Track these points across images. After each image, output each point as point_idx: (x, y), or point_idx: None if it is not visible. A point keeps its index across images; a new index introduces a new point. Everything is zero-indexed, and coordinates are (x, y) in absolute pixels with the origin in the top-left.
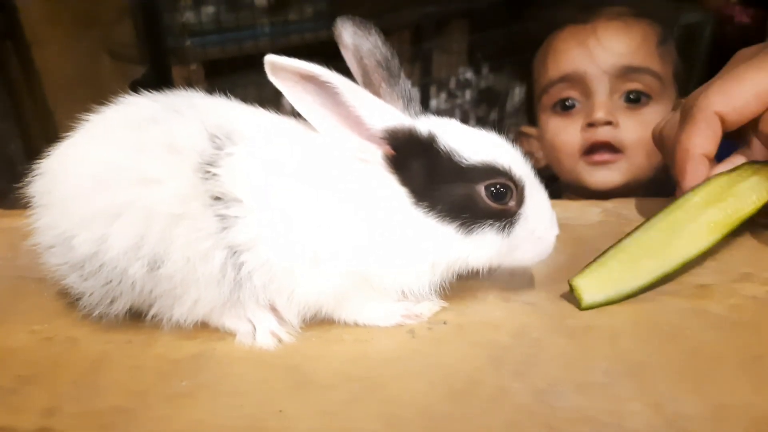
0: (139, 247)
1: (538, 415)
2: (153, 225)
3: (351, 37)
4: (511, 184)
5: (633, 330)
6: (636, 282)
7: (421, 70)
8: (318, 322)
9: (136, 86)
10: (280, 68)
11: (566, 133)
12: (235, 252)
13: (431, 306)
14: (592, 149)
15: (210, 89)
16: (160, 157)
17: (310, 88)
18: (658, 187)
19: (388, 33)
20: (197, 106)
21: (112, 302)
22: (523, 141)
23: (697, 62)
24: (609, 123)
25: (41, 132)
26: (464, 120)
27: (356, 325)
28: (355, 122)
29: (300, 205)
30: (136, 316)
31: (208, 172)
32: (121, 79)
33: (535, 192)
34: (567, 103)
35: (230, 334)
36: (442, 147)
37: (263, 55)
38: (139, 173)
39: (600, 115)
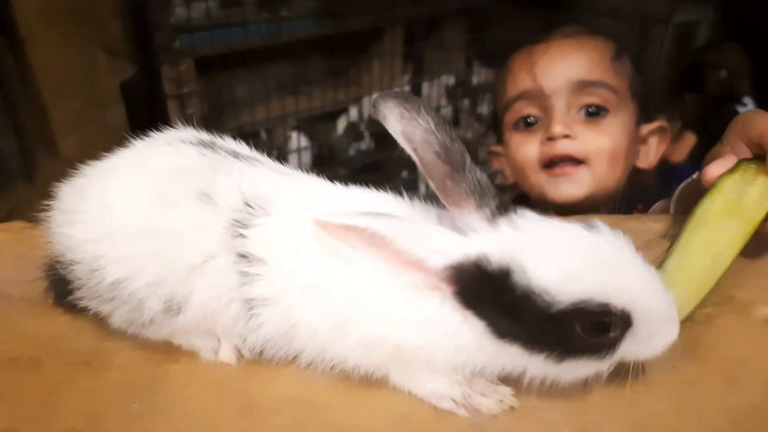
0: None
1: None
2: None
3: (398, 121)
4: (614, 318)
5: None
6: (682, 314)
7: (414, 68)
8: None
9: (125, 87)
10: (326, 226)
11: (526, 149)
12: (251, 307)
13: (495, 405)
14: (552, 162)
15: (201, 86)
16: (194, 209)
17: (364, 236)
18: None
19: (380, 31)
20: (239, 172)
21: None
22: (494, 160)
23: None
24: (567, 136)
25: (35, 128)
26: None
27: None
28: (415, 264)
29: (333, 280)
30: (99, 339)
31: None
32: (115, 75)
33: (649, 302)
34: (528, 120)
35: (184, 356)
36: (521, 285)
37: (255, 52)
38: (170, 225)
39: (558, 128)
